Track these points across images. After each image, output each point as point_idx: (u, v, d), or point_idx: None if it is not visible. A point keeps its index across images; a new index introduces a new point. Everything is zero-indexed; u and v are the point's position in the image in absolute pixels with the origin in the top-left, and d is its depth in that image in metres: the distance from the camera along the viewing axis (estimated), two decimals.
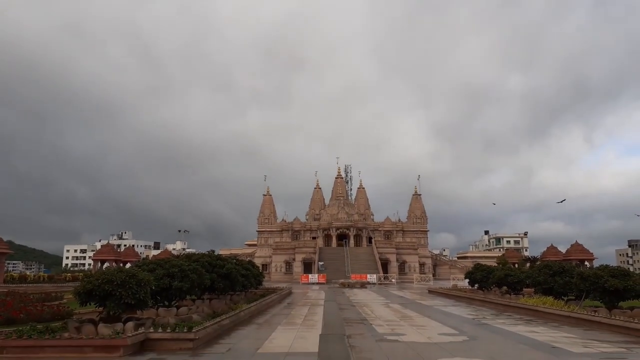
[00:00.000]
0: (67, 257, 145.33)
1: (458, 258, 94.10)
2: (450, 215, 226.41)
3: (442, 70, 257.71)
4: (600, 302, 14.78)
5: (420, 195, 77.60)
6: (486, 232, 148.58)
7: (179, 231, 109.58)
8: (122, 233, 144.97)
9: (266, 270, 64.68)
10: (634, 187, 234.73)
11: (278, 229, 74.56)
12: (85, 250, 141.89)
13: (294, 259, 62.61)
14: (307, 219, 76.68)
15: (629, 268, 17.01)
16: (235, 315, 13.77)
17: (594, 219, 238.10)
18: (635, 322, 11.27)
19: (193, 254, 19.70)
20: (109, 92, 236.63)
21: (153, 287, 10.97)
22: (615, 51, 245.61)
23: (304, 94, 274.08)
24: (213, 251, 50.18)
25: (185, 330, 9.48)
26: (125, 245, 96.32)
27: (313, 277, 51.44)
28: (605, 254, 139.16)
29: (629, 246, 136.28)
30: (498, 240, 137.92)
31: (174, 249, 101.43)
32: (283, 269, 64.12)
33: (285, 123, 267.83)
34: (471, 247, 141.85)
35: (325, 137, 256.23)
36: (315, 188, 79.92)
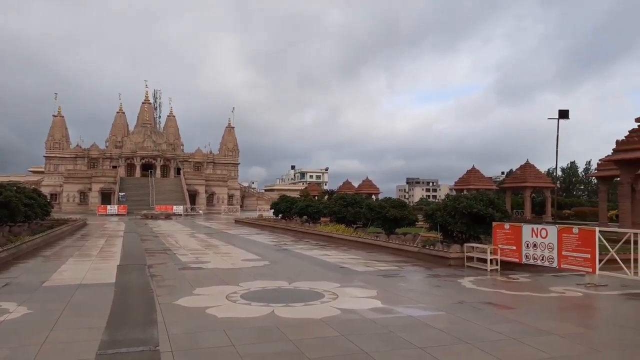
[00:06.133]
0: None
1: (266, 190, 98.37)
2: (263, 148, 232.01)
3: None
4: (382, 229, 17.13)
5: (233, 127, 77.45)
6: (293, 167, 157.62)
7: None
8: None
9: (56, 200, 58.30)
10: (417, 131, 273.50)
11: (72, 156, 66.90)
12: None
13: (90, 189, 57.39)
14: (107, 146, 70.31)
15: (406, 201, 20.08)
16: (16, 248, 12.15)
17: (384, 158, 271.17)
18: (407, 245, 13.38)
19: None
20: None
21: None
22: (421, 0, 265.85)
23: None
24: None
25: None
26: None
27: (112, 209, 48.31)
28: (389, 189, 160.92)
29: (407, 183, 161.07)
30: (302, 174, 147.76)
31: None
32: (77, 200, 58.42)
33: (77, 26, 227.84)
34: (278, 180, 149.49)
35: (131, 53, 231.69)
36: (118, 112, 72.93)
